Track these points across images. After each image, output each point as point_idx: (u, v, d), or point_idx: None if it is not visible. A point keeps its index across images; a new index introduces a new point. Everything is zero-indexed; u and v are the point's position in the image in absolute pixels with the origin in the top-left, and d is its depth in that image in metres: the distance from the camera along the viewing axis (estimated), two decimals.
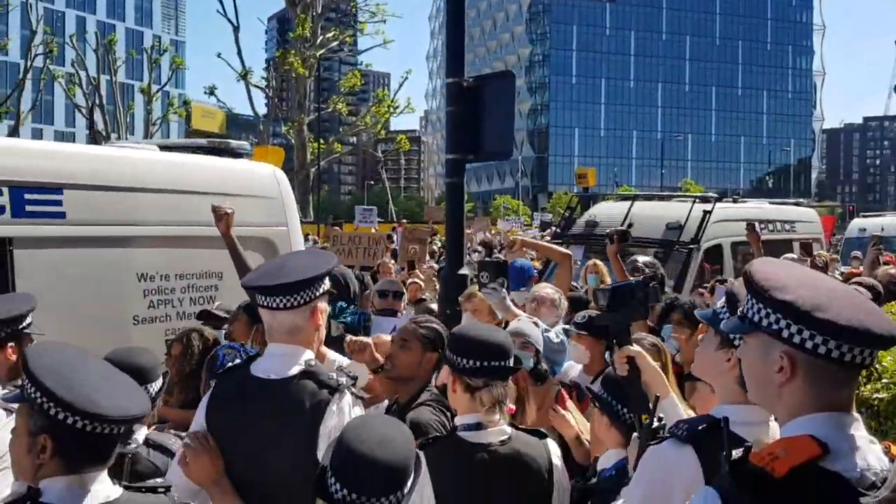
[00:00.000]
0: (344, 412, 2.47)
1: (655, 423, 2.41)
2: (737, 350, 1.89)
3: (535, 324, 4.29)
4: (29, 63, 29.26)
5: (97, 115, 32.91)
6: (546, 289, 5.28)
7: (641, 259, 6.14)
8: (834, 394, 1.58)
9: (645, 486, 2.07)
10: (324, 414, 2.42)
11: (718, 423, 1.96)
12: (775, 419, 1.92)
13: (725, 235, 9.40)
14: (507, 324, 4.91)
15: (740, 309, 1.74)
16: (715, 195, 10.69)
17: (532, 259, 5.70)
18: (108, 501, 1.96)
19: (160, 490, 2.13)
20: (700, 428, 2.01)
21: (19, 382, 2.09)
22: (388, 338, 3.85)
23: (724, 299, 2.10)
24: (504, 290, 4.86)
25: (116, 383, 2.08)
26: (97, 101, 33.97)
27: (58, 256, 4.16)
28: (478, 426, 2.74)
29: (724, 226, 9.38)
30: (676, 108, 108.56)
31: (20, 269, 3.97)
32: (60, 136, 70.74)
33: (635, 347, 2.68)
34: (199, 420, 2.58)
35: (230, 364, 2.83)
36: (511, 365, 2.82)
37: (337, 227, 17.00)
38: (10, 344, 3.13)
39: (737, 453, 1.59)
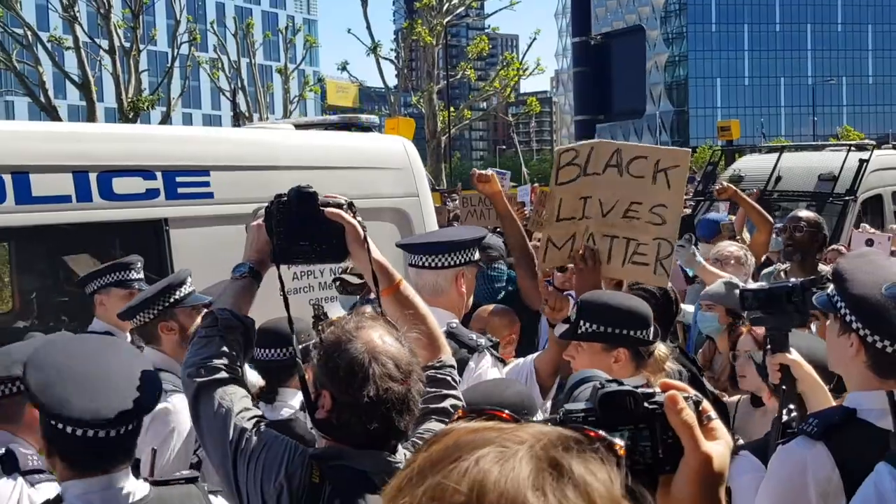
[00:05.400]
0: (483, 371, 2.66)
1: (785, 417, 2.12)
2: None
3: (734, 283, 3.97)
4: (175, 51, 30.99)
5: (239, 97, 34.55)
6: (730, 247, 5.07)
7: (804, 213, 5.53)
8: None
9: (777, 489, 1.87)
10: (462, 372, 2.54)
11: (853, 413, 1.84)
12: None
13: (885, 185, 8.72)
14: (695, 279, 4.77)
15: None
16: (872, 142, 9.90)
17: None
18: (134, 502, 1.84)
19: (188, 481, 2.01)
20: (833, 422, 1.82)
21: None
22: None
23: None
24: (693, 245, 4.69)
25: (110, 382, 1.87)
26: (239, 84, 35.72)
27: (209, 234, 4.41)
28: None
29: (884, 175, 8.70)
30: (828, 49, 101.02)
31: (176, 248, 4.25)
32: (208, 119, 75.05)
33: (793, 355, 2.24)
34: None
35: None
36: None
37: (466, 191, 17.06)
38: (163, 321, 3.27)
39: None
